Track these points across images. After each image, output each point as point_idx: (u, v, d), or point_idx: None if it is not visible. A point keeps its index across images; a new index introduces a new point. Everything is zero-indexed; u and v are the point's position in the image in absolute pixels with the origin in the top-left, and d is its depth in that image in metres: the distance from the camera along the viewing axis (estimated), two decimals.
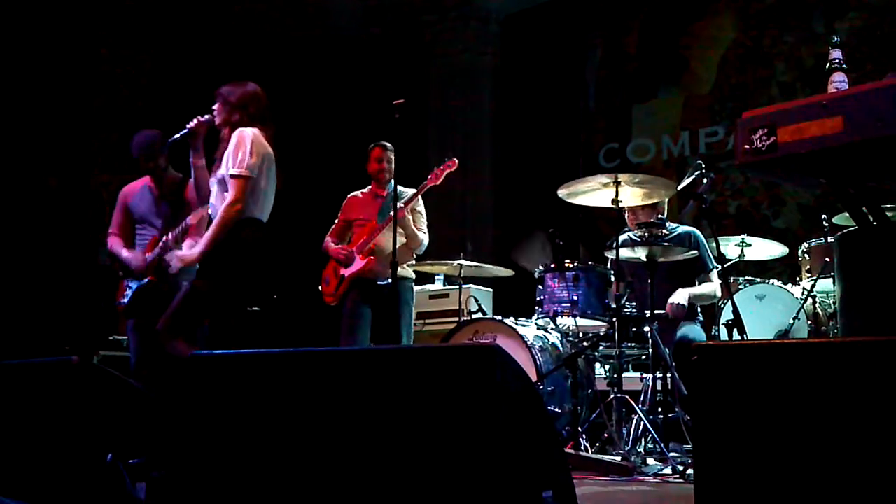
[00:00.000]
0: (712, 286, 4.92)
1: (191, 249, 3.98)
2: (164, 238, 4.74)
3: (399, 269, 5.29)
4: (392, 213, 4.97)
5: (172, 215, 4.89)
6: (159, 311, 4.49)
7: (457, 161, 5.35)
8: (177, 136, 4.22)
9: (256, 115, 4.12)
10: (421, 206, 5.55)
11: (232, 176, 3.94)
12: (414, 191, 5.43)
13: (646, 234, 4.49)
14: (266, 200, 4.14)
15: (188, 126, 4.17)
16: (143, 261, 4.83)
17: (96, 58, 8.26)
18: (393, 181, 5.35)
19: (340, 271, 5.43)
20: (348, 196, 5.72)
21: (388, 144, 5.51)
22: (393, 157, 5.45)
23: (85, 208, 7.82)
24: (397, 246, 5.15)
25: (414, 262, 5.62)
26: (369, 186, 5.65)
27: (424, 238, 5.46)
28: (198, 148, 4.18)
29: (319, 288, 5.60)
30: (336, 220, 5.69)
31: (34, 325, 6.92)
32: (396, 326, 5.30)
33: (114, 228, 5.06)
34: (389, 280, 5.21)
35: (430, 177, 5.33)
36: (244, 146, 3.96)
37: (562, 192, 4.68)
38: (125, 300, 4.88)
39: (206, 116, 4.16)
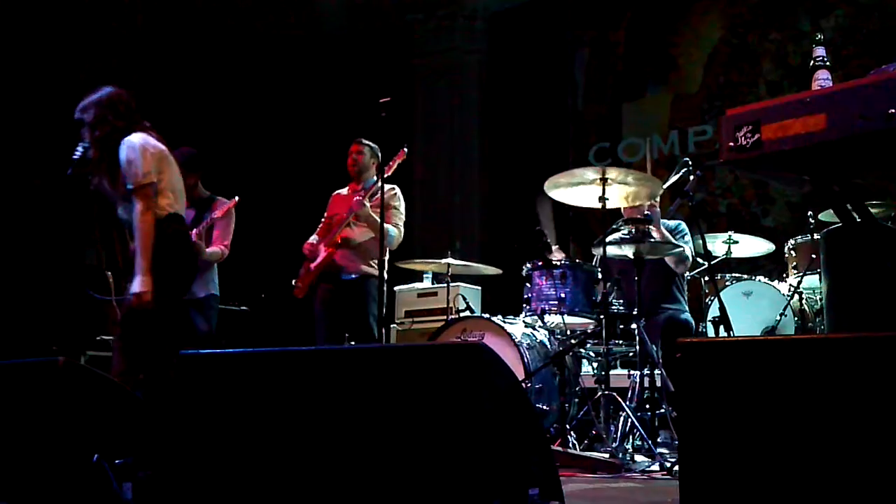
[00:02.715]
0: (684, 249, 4.91)
1: (134, 285, 3.84)
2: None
3: (364, 266, 5.34)
4: (352, 205, 5.14)
5: (197, 218, 5.05)
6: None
7: (406, 150, 5.27)
8: (69, 170, 4.11)
9: (125, 116, 4.02)
10: (398, 202, 5.48)
11: (132, 190, 3.88)
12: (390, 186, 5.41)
13: (633, 230, 4.50)
14: (178, 193, 4.11)
15: (74, 157, 4.08)
16: None
17: (85, 61, 8.23)
18: (376, 176, 5.35)
19: (309, 265, 5.44)
20: (333, 194, 5.74)
21: (362, 140, 5.52)
22: (368, 151, 5.46)
23: (72, 209, 7.79)
24: (365, 239, 5.28)
25: (385, 258, 5.36)
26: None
27: (394, 231, 5.34)
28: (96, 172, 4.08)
29: (293, 282, 5.57)
30: (322, 220, 5.70)
31: (21, 325, 6.89)
32: (365, 323, 5.27)
33: None
34: (353, 275, 5.30)
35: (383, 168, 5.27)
36: (134, 158, 3.89)
37: (548, 187, 4.65)
38: None
39: (83, 144, 4.06)
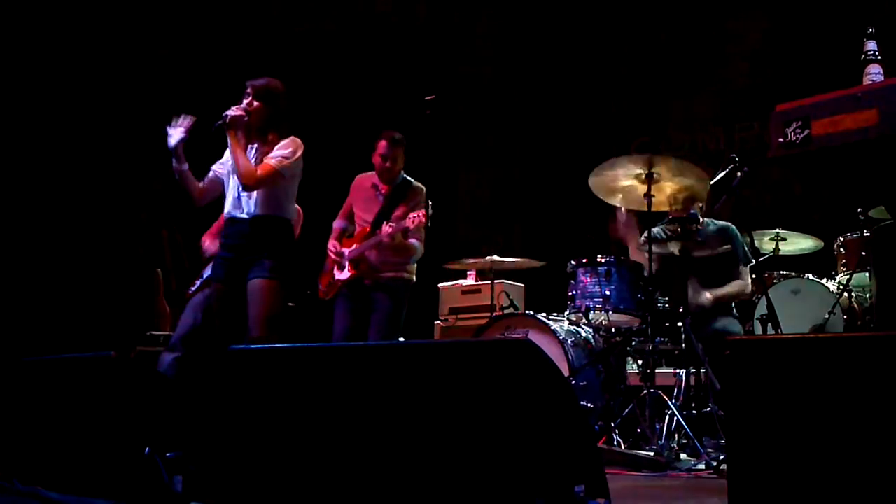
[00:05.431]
0: (741, 283, 4.89)
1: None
2: None
3: (390, 271, 5.03)
4: (380, 231, 4.89)
5: None
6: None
7: (431, 208, 4.91)
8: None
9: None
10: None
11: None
12: (421, 187, 5.17)
13: (678, 229, 4.46)
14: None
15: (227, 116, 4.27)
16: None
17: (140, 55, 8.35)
18: (403, 174, 5.11)
19: (335, 271, 5.20)
20: (357, 176, 5.37)
21: (397, 137, 5.11)
22: (400, 153, 5.09)
23: (122, 210, 7.92)
24: (390, 254, 5.00)
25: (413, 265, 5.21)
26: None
27: (418, 246, 5.07)
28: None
29: (318, 278, 5.37)
30: (346, 200, 5.39)
31: (74, 321, 7.03)
32: (381, 322, 4.98)
33: (210, 230, 5.20)
34: (378, 279, 5.02)
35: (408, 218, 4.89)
36: None
37: (592, 181, 4.62)
38: (194, 288, 5.02)
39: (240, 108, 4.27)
